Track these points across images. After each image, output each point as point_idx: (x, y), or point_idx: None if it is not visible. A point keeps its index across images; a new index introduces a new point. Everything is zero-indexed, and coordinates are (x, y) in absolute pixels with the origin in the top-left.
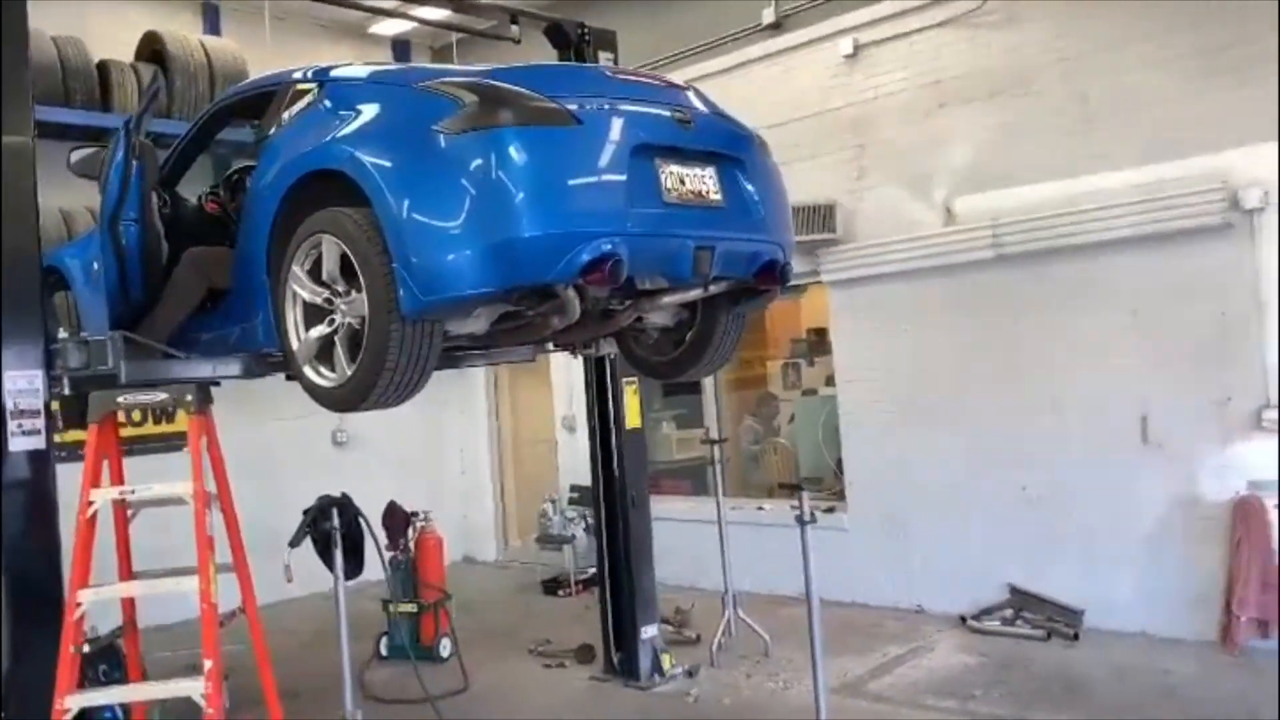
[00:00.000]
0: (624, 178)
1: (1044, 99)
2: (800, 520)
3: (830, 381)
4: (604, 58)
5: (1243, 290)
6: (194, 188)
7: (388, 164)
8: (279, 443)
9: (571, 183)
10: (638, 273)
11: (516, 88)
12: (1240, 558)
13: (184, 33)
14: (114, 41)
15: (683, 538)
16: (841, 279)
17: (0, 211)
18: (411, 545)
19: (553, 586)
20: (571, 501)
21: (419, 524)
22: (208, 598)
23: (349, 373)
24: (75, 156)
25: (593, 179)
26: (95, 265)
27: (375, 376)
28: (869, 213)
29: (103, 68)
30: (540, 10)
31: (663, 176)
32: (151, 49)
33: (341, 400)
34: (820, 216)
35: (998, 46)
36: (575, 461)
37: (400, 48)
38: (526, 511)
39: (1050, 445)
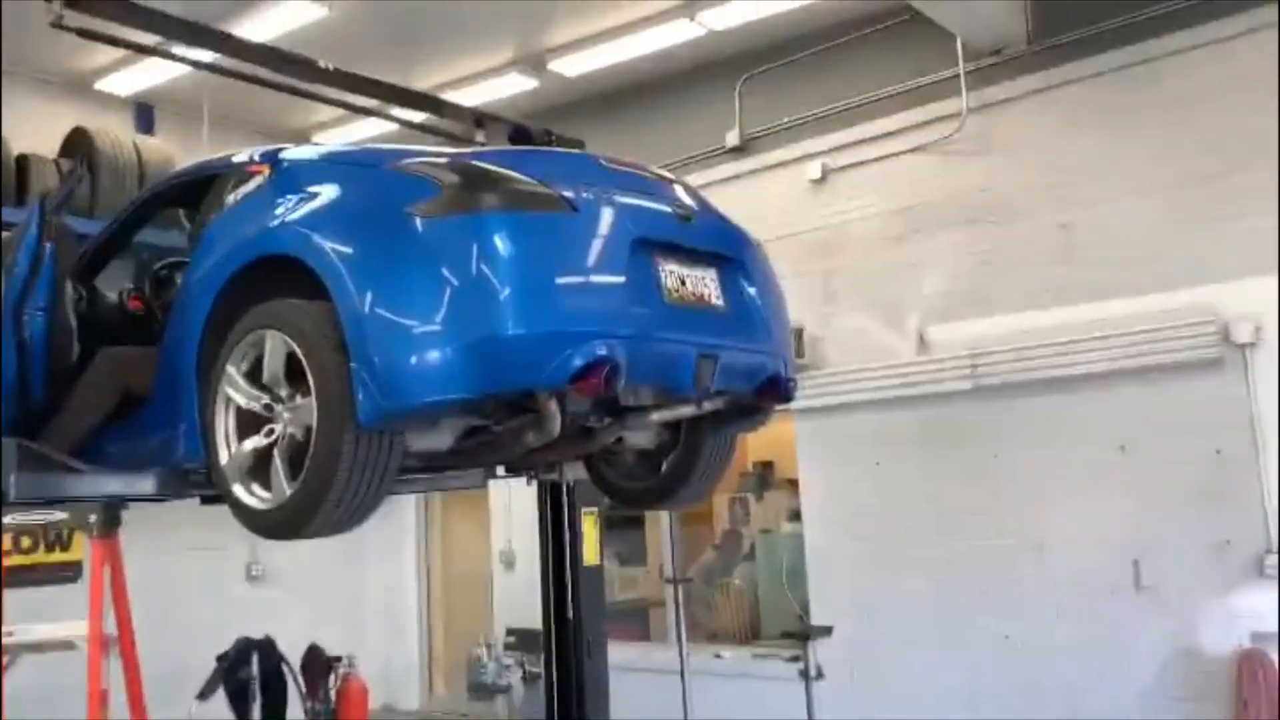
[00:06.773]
0: (622, 274)
1: (1023, 227)
2: (805, 675)
3: (791, 517)
4: None
5: (1238, 427)
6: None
7: (351, 250)
8: (187, 575)
9: (564, 277)
10: (634, 382)
11: (504, 169)
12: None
13: (115, 130)
14: (39, 136)
15: (625, 687)
16: (808, 407)
17: None
18: (333, 694)
19: None
20: (508, 646)
21: (342, 670)
22: None
23: (288, 492)
24: None
25: (588, 274)
26: None
27: (320, 498)
28: (838, 339)
29: (21, 161)
30: (504, 115)
31: (663, 275)
32: (77, 146)
33: (277, 525)
34: None
35: (974, 173)
36: (513, 601)
37: None
38: (455, 655)
39: (1034, 590)
